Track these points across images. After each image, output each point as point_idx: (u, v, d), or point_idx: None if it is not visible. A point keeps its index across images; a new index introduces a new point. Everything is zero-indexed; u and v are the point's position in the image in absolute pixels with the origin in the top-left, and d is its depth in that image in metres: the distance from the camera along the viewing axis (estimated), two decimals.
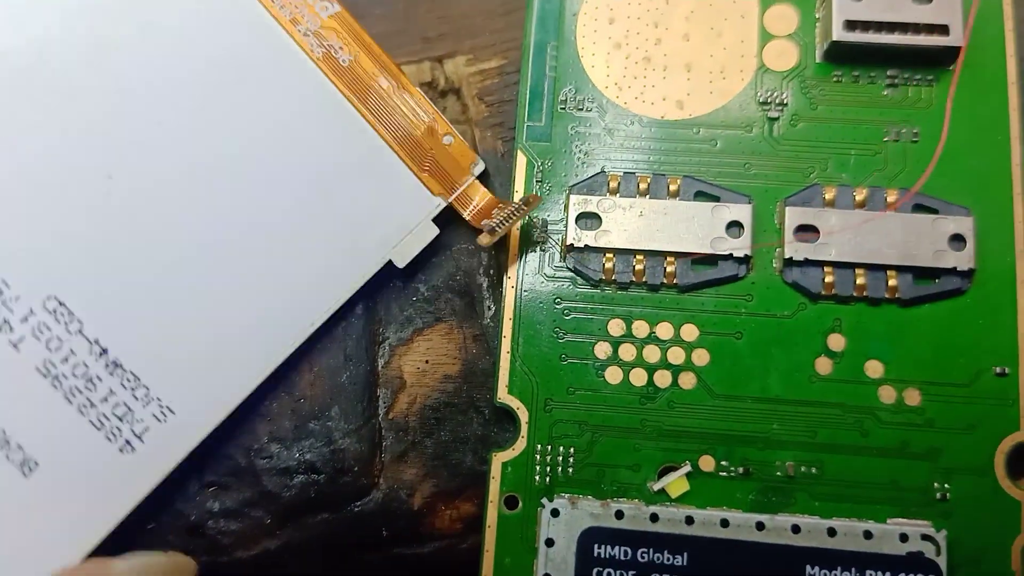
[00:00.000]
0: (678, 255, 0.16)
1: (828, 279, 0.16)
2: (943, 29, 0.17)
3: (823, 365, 0.16)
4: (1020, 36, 0.17)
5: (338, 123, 0.15)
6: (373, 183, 0.15)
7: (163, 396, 0.14)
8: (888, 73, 0.17)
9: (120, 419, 0.14)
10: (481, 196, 0.15)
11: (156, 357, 0.14)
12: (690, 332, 0.16)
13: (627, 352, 0.16)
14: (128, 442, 0.14)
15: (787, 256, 0.16)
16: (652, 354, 0.16)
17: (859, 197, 0.16)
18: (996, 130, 0.17)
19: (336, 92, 0.15)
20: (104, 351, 0.14)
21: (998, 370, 0.16)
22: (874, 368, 0.16)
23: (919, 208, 0.16)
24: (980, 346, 0.16)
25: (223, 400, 0.15)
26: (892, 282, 0.16)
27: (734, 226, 0.16)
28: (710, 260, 0.16)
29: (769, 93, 0.17)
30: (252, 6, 0.15)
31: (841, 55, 0.17)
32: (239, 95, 0.15)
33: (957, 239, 0.16)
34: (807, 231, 0.16)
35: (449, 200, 0.15)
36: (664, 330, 0.16)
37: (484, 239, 0.15)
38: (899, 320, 0.16)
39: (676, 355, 0.16)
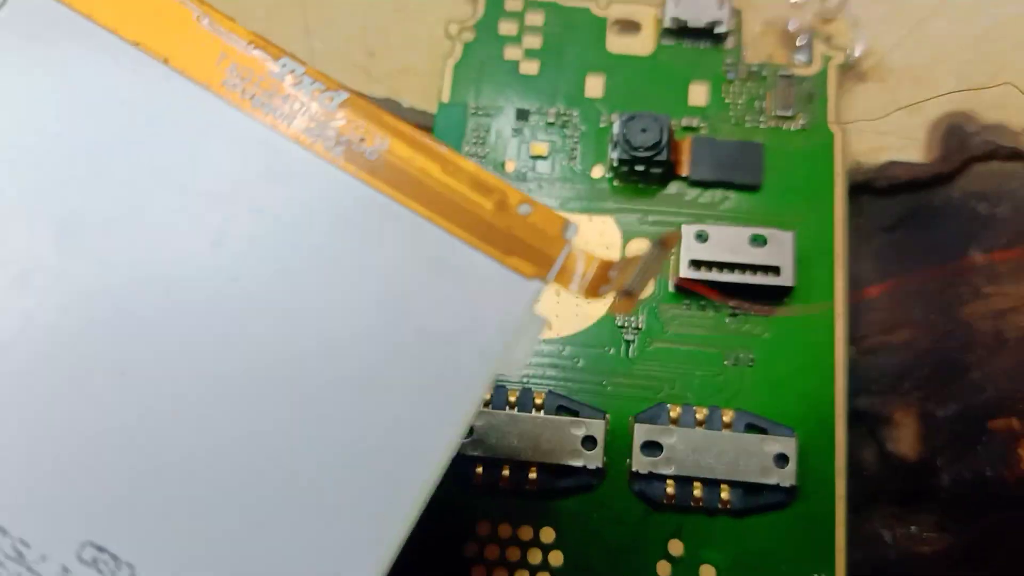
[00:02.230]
0: (539, 465, 0.19)
1: (670, 491, 0.18)
2: (776, 270, 0.19)
3: (663, 568, 0.18)
4: (847, 274, 0.20)
5: (387, 229, 0.12)
6: (452, 286, 0.12)
7: None
8: (730, 304, 0.20)
9: None
10: (586, 261, 0.12)
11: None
12: (548, 535, 0.18)
13: (492, 552, 0.18)
14: None
15: (634, 469, 0.18)
16: (513, 554, 0.18)
17: (699, 416, 0.19)
18: (823, 358, 0.19)
19: (373, 191, 0.12)
20: None
21: None
22: (707, 572, 0.18)
23: (751, 428, 0.19)
24: (801, 555, 0.18)
25: None
26: (725, 495, 0.18)
27: (588, 440, 0.19)
28: (568, 471, 0.19)
29: (626, 318, 0.20)
30: (247, 123, 0.12)
31: (689, 285, 0.20)
32: (257, 234, 0.12)
33: (781, 458, 0.18)
34: (653, 446, 0.19)
35: (548, 278, 0.12)
36: (525, 532, 0.18)
37: (622, 306, 0.13)
38: (731, 529, 0.18)
39: (534, 556, 0.18)
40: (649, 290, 0.13)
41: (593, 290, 0.12)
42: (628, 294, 0.12)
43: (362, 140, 0.12)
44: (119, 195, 0.11)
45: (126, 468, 0.11)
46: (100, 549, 0.11)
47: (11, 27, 0.12)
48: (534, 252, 0.12)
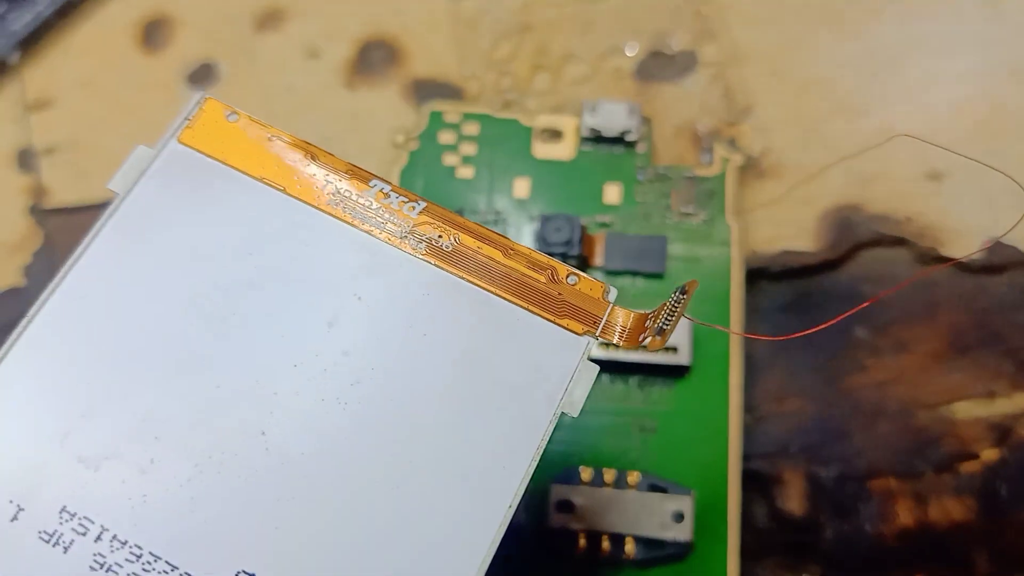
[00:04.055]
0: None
1: (581, 543, 0.21)
2: (675, 349, 0.22)
3: None
4: (743, 351, 0.23)
5: (465, 305, 0.15)
6: (519, 346, 0.15)
7: None
8: (638, 379, 0.22)
9: None
10: (625, 317, 0.15)
11: None
12: None
13: None
14: None
15: (550, 525, 0.21)
16: None
17: (608, 478, 0.21)
18: (718, 426, 0.22)
19: (451, 276, 0.15)
20: None
21: None
22: None
23: (653, 488, 0.21)
24: None
25: None
26: (628, 547, 0.21)
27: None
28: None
29: None
30: (348, 232, 0.15)
31: (600, 365, 0.22)
32: (361, 316, 0.15)
33: (679, 515, 0.21)
34: (565, 506, 0.21)
35: (596, 334, 0.15)
36: None
37: (655, 343, 0.14)
38: None
39: None
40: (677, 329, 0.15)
41: (633, 340, 0.15)
42: (661, 333, 0.14)
43: (439, 237, 0.15)
44: (257, 293, 0.15)
45: (267, 511, 0.14)
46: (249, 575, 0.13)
47: (163, 172, 0.15)
48: (583, 313, 0.15)
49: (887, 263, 0.24)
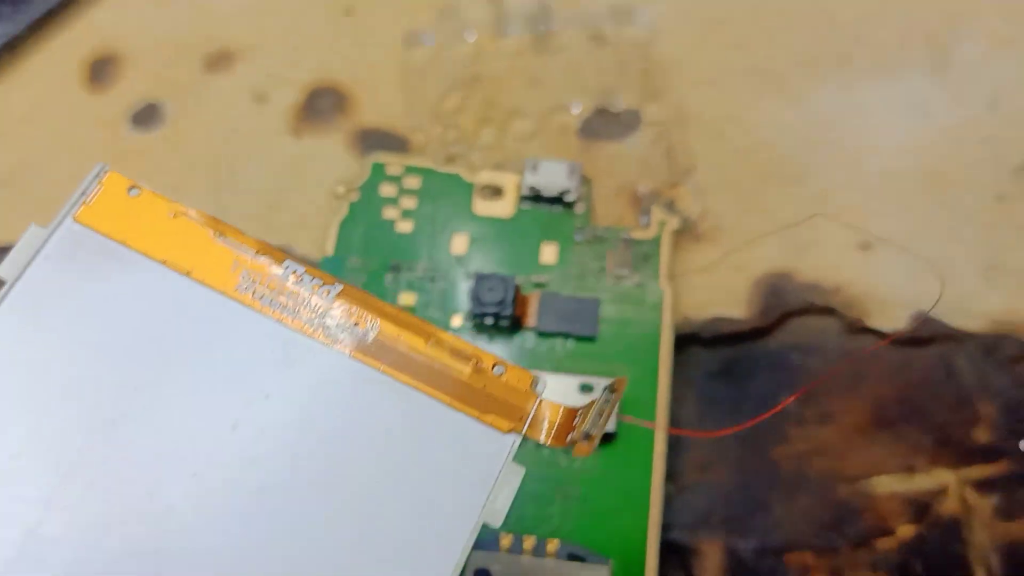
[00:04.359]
0: None
1: None
2: None
3: None
4: (669, 417, 0.23)
5: (383, 402, 0.14)
6: (439, 447, 0.14)
7: None
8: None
9: None
10: (553, 412, 0.14)
11: None
12: None
13: None
14: None
15: None
16: None
17: (527, 545, 0.22)
18: (640, 495, 0.22)
19: (368, 369, 0.14)
20: None
21: None
22: None
23: (572, 557, 0.21)
24: None
25: None
26: None
27: None
28: None
29: None
30: (258, 320, 0.14)
31: None
32: (269, 418, 0.14)
33: None
34: (483, 575, 0.21)
35: (522, 432, 0.14)
36: None
37: (583, 449, 0.14)
38: None
39: None
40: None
41: (560, 438, 0.14)
42: (588, 437, 0.13)
43: (356, 324, 0.14)
44: (154, 392, 0.14)
45: None
46: None
47: (57, 255, 0.14)
48: (508, 408, 0.14)
49: (815, 332, 0.24)
